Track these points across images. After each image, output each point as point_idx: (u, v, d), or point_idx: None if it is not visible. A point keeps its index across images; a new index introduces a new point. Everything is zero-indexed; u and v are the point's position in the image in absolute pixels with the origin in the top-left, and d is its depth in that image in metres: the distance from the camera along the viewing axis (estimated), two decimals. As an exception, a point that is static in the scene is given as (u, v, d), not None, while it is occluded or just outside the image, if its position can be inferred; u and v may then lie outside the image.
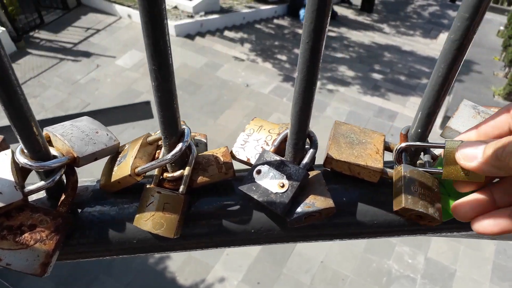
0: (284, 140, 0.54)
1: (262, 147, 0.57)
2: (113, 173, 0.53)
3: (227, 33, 8.51)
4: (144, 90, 6.68)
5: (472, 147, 0.43)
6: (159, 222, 0.51)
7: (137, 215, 0.52)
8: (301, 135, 0.50)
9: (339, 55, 8.34)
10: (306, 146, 0.54)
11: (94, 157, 0.52)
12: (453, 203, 0.47)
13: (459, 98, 6.64)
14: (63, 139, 0.50)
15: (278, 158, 0.52)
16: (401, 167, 0.52)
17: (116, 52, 7.47)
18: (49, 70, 7.04)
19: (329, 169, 0.60)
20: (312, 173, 0.54)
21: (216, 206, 0.55)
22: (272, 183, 0.50)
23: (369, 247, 4.71)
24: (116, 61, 7.30)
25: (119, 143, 0.55)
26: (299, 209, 0.51)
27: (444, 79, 0.45)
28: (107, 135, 0.54)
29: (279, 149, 0.55)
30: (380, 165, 0.55)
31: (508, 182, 0.46)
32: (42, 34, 7.84)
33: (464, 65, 7.97)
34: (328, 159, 0.56)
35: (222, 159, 0.54)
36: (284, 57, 7.95)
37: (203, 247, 0.58)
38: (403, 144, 0.54)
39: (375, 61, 8.26)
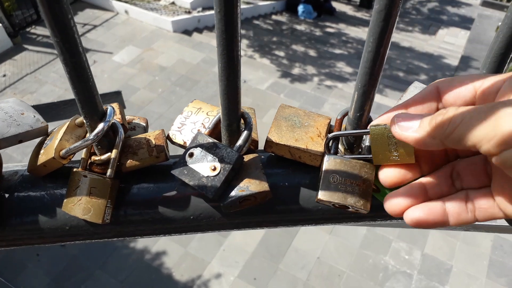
0: (219, 123, 0.51)
1: (198, 129, 0.54)
2: (39, 156, 0.50)
3: (225, 29, 8.45)
4: (141, 86, 6.66)
5: (409, 119, 0.41)
6: (86, 207, 0.49)
7: (65, 200, 0.50)
8: (232, 116, 0.48)
9: (337, 51, 8.29)
10: (242, 128, 0.51)
11: (17, 139, 0.49)
12: (386, 195, 0.45)
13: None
14: (-18, 120, 0.48)
15: (211, 140, 0.50)
16: (324, 158, 0.51)
17: (113, 48, 7.44)
18: (45, 66, 7.02)
19: (272, 155, 0.57)
20: (249, 156, 0.51)
21: (151, 191, 0.53)
22: (204, 166, 0.48)
23: (365, 243, 4.69)
24: (113, 57, 7.27)
25: (47, 125, 0.52)
26: (232, 193, 0.49)
27: (375, 54, 0.42)
28: (34, 117, 0.51)
29: (215, 132, 0.52)
30: (320, 149, 0.52)
31: (439, 174, 0.44)
32: (39, 30, 7.82)
33: (463, 61, 7.92)
34: (268, 142, 0.53)
35: (154, 142, 0.51)
36: (282, 53, 7.91)
37: (141, 234, 0.56)
38: (330, 135, 0.51)
39: (374, 57, 8.20)
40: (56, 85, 6.70)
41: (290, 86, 6.96)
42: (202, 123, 0.55)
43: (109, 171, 0.49)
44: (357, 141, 0.53)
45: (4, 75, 6.63)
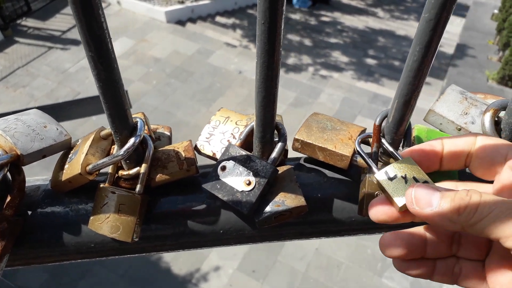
0: (250, 133, 0.49)
1: (228, 140, 0.52)
2: (64, 171, 0.48)
3: (218, 18, 8.38)
4: (135, 78, 6.58)
5: (428, 193, 0.40)
6: (114, 225, 0.46)
7: (91, 217, 0.48)
8: (267, 127, 0.45)
9: (332, 40, 8.24)
10: (276, 139, 0.49)
11: (41, 154, 0.47)
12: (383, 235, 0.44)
13: (453, 83, 6.60)
14: (4, 135, 0.45)
15: (244, 153, 0.47)
16: (366, 173, 0.49)
17: (106, 40, 7.34)
18: (37, 58, 6.91)
19: (303, 163, 0.56)
20: (282, 168, 0.49)
21: (180, 205, 0.51)
22: (238, 181, 0.46)
23: (363, 233, 4.71)
24: (106, 49, 7.17)
25: (70, 138, 0.50)
26: (268, 208, 0.47)
27: (420, 64, 0.40)
28: (57, 129, 0.49)
29: (246, 143, 0.50)
30: (350, 150, 0.51)
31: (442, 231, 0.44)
32: (30, 22, 7.68)
33: (458, 50, 7.92)
34: (295, 140, 0.52)
35: (183, 155, 0.49)
36: (277, 43, 7.85)
37: (168, 249, 0.54)
38: (360, 136, 0.50)
39: (369, 46, 8.18)
40: (49, 78, 6.61)
41: (285, 77, 6.92)
42: (232, 133, 0.52)
43: (138, 187, 0.47)
44: (395, 144, 0.51)
45: (-4, 69, 6.53)
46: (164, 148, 0.50)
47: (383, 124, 0.50)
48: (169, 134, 0.55)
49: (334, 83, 6.97)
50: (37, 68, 6.76)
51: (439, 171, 0.48)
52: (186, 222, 0.51)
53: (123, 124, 0.43)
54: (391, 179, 0.45)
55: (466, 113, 0.54)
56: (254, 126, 0.46)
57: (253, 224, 0.52)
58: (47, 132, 0.48)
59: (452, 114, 0.54)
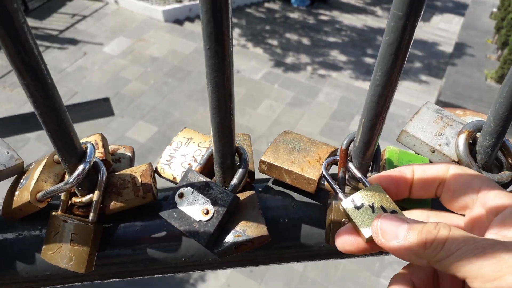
0: (211, 158, 0.47)
1: (189, 164, 0.50)
2: (14, 198, 0.46)
3: (217, 18, 8.31)
4: (133, 78, 6.55)
5: (393, 222, 0.38)
6: (67, 255, 0.44)
7: (44, 246, 0.45)
8: (226, 153, 0.43)
9: (331, 39, 8.20)
10: (238, 163, 0.47)
11: (-11, 181, 0.44)
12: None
13: (452, 82, 6.57)
14: (-51, 162, 0.43)
15: (202, 179, 0.45)
16: (332, 199, 0.47)
17: (103, 39, 7.31)
18: (34, 58, 6.88)
19: (271, 185, 0.53)
20: (245, 194, 0.47)
21: (138, 232, 0.49)
22: (195, 209, 0.44)
23: (360, 234, 4.69)
24: (104, 48, 7.14)
25: (22, 162, 0.47)
26: (227, 239, 0.44)
27: (383, 88, 0.38)
28: (7, 153, 0.46)
29: (208, 167, 0.48)
30: (317, 173, 0.48)
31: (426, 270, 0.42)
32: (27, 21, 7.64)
33: (457, 48, 7.88)
34: (261, 162, 0.50)
35: (140, 180, 0.47)
36: (275, 42, 7.82)
37: (129, 276, 0.51)
38: (326, 161, 0.48)
39: (368, 45, 8.14)
40: (46, 78, 6.57)
41: (283, 76, 6.89)
42: (193, 156, 0.50)
43: (91, 216, 0.44)
44: (363, 168, 0.49)
45: (-8, 68, 6.50)
46: (120, 173, 0.48)
47: (351, 147, 0.47)
48: (130, 155, 0.52)
49: (332, 82, 6.93)
50: (34, 67, 6.73)
51: (410, 198, 0.46)
52: (146, 250, 0.49)
53: (69, 152, 0.40)
54: (357, 208, 0.43)
55: (441, 133, 0.52)
56: (213, 152, 0.44)
57: (218, 252, 0.50)
58: (-4, 157, 0.45)
59: (426, 135, 0.51)
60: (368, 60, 7.66)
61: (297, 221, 0.50)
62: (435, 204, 0.49)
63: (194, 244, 0.49)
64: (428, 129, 0.52)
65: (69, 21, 7.70)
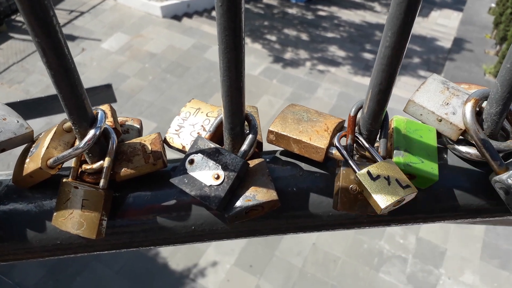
0: (220, 126, 0.47)
1: (198, 133, 0.50)
2: (25, 165, 0.46)
3: (215, 13, 8.31)
4: (131, 74, 6.54)
5: None
6: (78, 221, 0.44)
7: (55, 213, 0.46)
8: (236, 118, 0.43)
9: (329, 34, 8.20)
10: (247, 132, 0.47)
11: (0, 147, 0.45)
12: None
13: (450, 77, 6.58)
14: (-40, 128, 0.43)
15: (212, 145, 0.45)
16: (340, 166, 0.47)
17: (101, 35, 7.29)
18: (32, 54, 6.85)
19: (278, 156, 0.54)
20: (254, 162, 0.47)
21: (148, 200, 0.49)
22: (206, 175, 0.44)
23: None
24: (102, 44, 7.12)
25: (32, 131, 0.48)
26: (238, 203, 0.45)
27: (392, 50, 0.38)
28: (17, 122, 0.46)
29: (217, 136, 0.48)
30: (325, 142, 0.49)
31: None
32: (25, 18, 7.61)
33: (455, 44, 7.88)
34: (269, 132, 0.50)
35: (150, 148, 0.47)
36: (273, 38, 7.81)
37: (138, 246, 0.52)
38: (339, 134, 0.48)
39: (366, 41, 8.13)
40: (44, 74, 6.56)
41: (282, 71, 6.89)
42: (202, 125, 0.50)
43: (102, 182, 0.45)
44: (372, 136, 0.49)
45: (-10, 65, 6.48)
46: (130, 141, 0.48)
47: (359, 115, 0.48)
48: (138, 126, 0.53)
49: (331, 77, 6.93)
50: (32, 64, 6.71)
51: (420, 175, 0.48)
52: (156, 218, 0.49)
53: (81, 115, 0.40)
54: (374, 179, 0.44)
55: (447, 103, 0.52)
56: (223, 118, 0.44)
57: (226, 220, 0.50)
58: (6, 124, 0.46)
59: (432, 105, 0.52)
60: (367, 55, 7.66)
61: (306, 190, 0.51)
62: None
63: (203, 213, 0.49)
64: (435, 99, 0.53)
65: (66, 17, 7.68)
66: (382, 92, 0.43)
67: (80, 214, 0.44)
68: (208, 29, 7.73)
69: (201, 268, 4.37)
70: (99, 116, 0.42)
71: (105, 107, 0.49)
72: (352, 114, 0.48)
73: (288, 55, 7.35)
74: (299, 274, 4.37)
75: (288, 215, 0.51)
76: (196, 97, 6.35)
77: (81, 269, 4.27)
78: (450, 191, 0.52)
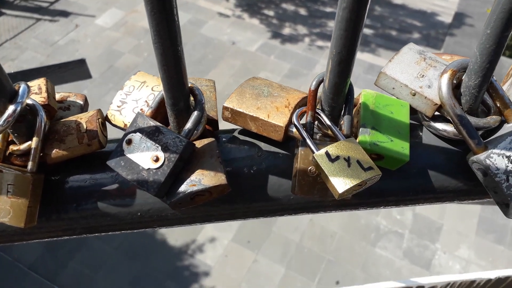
0: (163, 101, 0.42)
1: (141, 109, 0.45)
2: None
3: (212, -12, 8.12)
4: (126, 51, 6.42)
5: None
6: (4, 208, 0.40)
7: (-20, 200, 0.41)
8: (177, 92, 0.38)
9: (328, 9, 8.00)
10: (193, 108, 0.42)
11: None
12: None
13: (450, 52, 6.45)
14: None
15: (153, 123, 0.40)
16: (299, 146, 0.42)
17: (95, 11, 7.12)
18: (25, 31, 6.72)
19: (236, 135, 0.49)
20: (202, 142, 0.42)
21: (87, 185, 0.44)
22: (144, 157, 0.39)
23: (356, 204, 4.70)
24: (96, 20, 6.97)
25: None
26: (181, 188, 0.40)
27: (350, 12, 0.32)
28: None
29: (161, 113, 0.43)
30: (285, 120, 0.44)
31: None
32: (16, -7, 7.44)
33: (456, 18, 7.71)
34: (224, 108, 0.45)
35: (85, 126, 0.42)
36: (271, 13, 7.63)
37: (81, 233, 0.47)
38: (294, 121, 0.43)
39: (367, 15, 7.96)
40: (38, 51, 6.45)
41: (280, 47, 6.76)
42: (146, 101, 0.45)
43: (30, 165, 0.40)
44: (335, 112, 0.44)
45: (-18, 42, 6.36)
46: (65, 119, 0.43)
47: (320, 89, 0.42)
48: (81, 103, 0.47)
49: (329, 53, 6.81)
50: (26, 41, 6.59)
51: (388, 155, 0.43)
52: (96, 204, 0.44)
53: (-4, 88, 0.35)
54: (332, 160, 0.39)
55: (423, 75, 0.47)
56: (163, 93, 0.39)
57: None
58: None
59: (406, 77, 0.46)
60: (366, 30, 7.51)
61: (264, 172, 0.46)
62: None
63: (150, 198, 0.45)
64: (409, 71, 0.47)
65: (59, -7, 7.50)
66: (343, 62, 0.38)
67: (5, 201, 0.39)
68: (205, 4, 7.56)
69: (200, 244, 4.40)
70: (20, 90, 0.37)
71: (41, 81, 0.44)
72: (312, 88, 0.42)
73: (286, 31, 7.20)
74: (296, 249, 4.40)
75: (245, 198, 0.47)
76: (192, 74, 6.27)
77: (79, 246, 4.29)
78: (424, 172, 0.47)
